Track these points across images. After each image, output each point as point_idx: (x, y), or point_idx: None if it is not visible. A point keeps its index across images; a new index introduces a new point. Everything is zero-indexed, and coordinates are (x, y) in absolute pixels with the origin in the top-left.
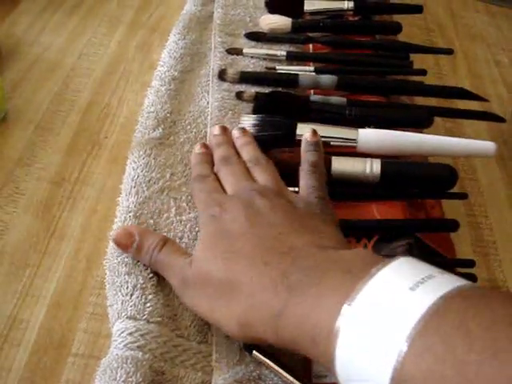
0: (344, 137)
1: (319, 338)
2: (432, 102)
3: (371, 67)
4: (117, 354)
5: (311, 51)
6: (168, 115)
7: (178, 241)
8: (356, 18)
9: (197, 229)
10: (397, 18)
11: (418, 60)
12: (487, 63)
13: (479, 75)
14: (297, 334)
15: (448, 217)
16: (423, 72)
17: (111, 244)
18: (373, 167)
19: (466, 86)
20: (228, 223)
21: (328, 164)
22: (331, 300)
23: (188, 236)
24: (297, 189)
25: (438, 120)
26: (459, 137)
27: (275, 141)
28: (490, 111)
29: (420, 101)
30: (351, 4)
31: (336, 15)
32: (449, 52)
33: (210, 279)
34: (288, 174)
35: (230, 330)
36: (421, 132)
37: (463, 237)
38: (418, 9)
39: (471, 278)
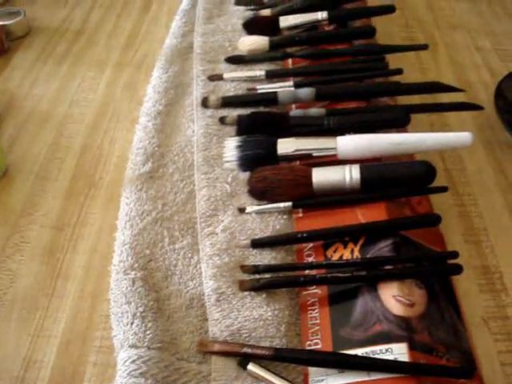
0: (324, 147)
1: None
2: (415, 99)
3: (348, 74)
4: (121, 383)
5: (291, 66)
6: (156, 149)
7: (172, 269)
8: (332, 27)
9: (189, 255)
10: (376, 19)
11: (399, 57)
12: (468, 50)
13: (461, 63)
14: None
15: (437, 209)
16: (399, 71)
17: (113, 275)
18: (352, 173)
19: (449, 76)
20: None
21: (309, 176)
22: None
23: (182, 263)
24: (281, 204)
25: (421, 115)
26: (445, 128)
27: (258, 159)
28: (469, 101)
29: (403, 100)
30: (325, 14)
31: (312, 27)
32: (424, 48)
33: None
34: (271, 189)
35: None
36: (403, 131)
37: (454, 227)
38: (389, 9)
39: (457, 268)
